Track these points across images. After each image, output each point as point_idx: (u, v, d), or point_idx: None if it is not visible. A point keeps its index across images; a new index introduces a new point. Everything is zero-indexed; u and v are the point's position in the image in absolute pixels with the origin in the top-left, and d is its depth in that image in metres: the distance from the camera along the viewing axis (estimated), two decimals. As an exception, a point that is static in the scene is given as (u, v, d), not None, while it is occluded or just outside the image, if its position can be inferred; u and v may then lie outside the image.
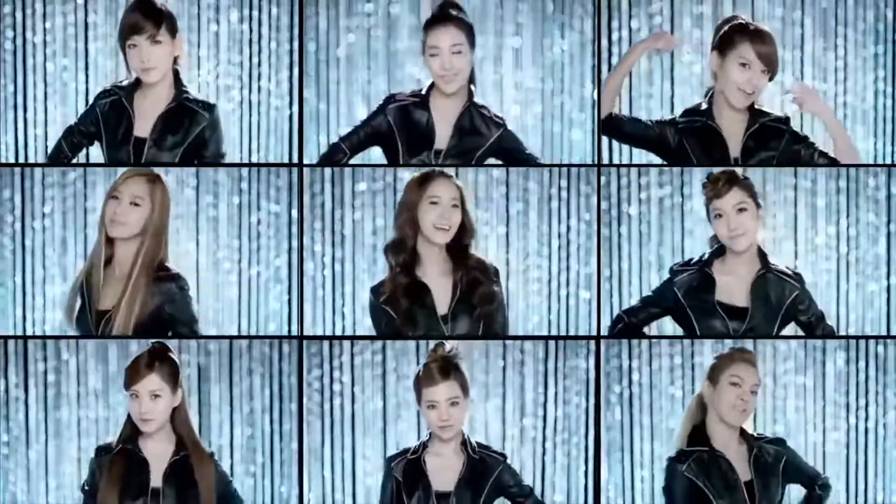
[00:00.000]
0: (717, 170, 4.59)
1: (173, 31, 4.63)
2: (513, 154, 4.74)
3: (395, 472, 4.55)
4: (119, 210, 4.53)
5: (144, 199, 4.54)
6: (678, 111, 4.79)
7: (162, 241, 4.57)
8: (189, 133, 4.68)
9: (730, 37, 4.61)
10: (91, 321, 4.56)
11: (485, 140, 4.70)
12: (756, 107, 4.66)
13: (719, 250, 4.64)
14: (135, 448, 4.49)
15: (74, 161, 4.78)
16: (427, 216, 4.54)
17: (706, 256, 4.65)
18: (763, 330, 4.61)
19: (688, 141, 4.69)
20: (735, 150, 4.67)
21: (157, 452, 4.50)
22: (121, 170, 4.75)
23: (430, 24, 4.64)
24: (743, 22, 4.62)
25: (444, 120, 4.70)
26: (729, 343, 4.69)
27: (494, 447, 4.72)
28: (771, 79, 4.62)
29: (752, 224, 4.57)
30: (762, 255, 4.62)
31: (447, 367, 4.49)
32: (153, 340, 4.52)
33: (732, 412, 4.56)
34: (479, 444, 4.57)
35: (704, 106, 4.69)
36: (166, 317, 4.56)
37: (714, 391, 4.57)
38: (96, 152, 4.75)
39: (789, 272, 4.63)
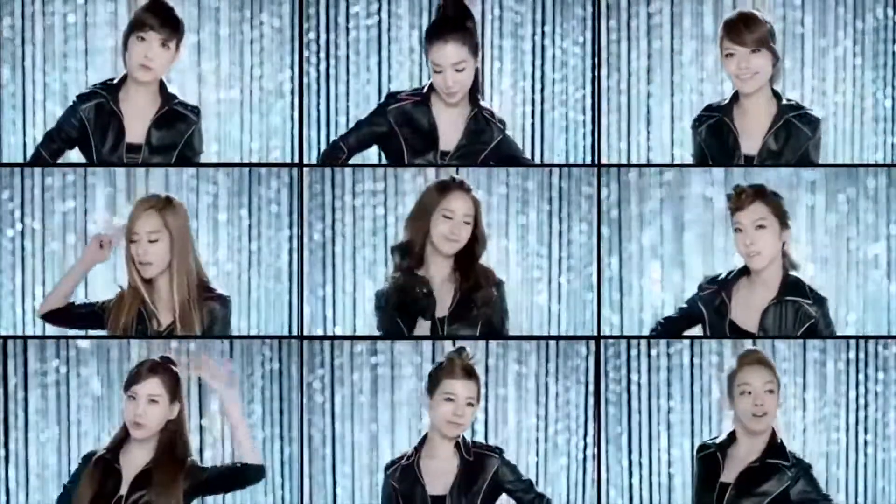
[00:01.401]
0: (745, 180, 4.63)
1: (180, 42, 4.64)
2: (510, 161, 4.74)
3: (392, 479, 4.55)
4: (141, 251, 4.52)
5: (161, 231, 4.53)
6: (678, 106, 4.81)
7: (190, 258, 4.56)
8: (181, 137, 4.70)
9: (719, 36, 4.65)
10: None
11: (487, 144, 4.71)
12: (786, 100, 4.67)
13: (744, 269, 4.63)
14: (113, 459, 4.48)
15: (74, 161, 4.78)
16: (438, 227, 4.55)
17: (731, 275, 4.65)
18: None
19: (706, 140, 4.70)
20: (753, 147, 4.66)
21: (134, 462, 4.48)
22: (120, 170, 4.77)
23: (432, 37, 4.62)
24: (724, 19, 4.66)
25: (449, 121, 4.70)
26: (728, 343, 4.71)
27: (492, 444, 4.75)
28: (774, 55, 4.61)
29: (772, 244, 4.54)
30: (785, 279, 4.58)
31: (470, 370, 4.50)
32: (161, 355, 4.55)
33: (752, 421, 4.51)
34: (473, 443, 4.57)
35: (725, 102, 4.70)
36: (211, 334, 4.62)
37: (733, 405, 4.54)
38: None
39: (808, 299, 4.60)
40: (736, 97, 4.70)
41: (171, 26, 4.62)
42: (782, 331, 4.58)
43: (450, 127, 4.70)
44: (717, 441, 4.59)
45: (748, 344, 4.67)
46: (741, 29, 4.59)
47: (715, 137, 4.70)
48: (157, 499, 4.41)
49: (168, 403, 4.46)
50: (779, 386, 4.55)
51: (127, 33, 4.63)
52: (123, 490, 4.45)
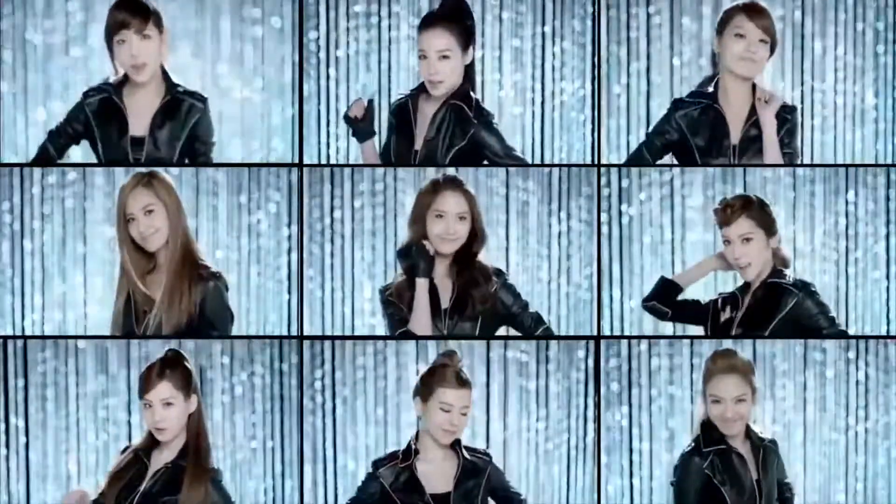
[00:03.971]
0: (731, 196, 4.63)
1: (160, 25, 4.63)
2: (486, 152, 4.70)
3: (382, 477, 4.51)
4: (142, 228, 4.53)
5: (155, 202, 4.54)
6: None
7: (180, 230, 4.56)
8: (185, 126, 4.68)
9: (727, 15, 4.64)
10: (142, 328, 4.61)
11: (458, 140, 4.67)
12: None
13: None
14: (145, 455, 4.49)
15: (72, 161, 4.78)
16: (433, 228, 4.55)
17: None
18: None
19: (691, 126, 4.68)
20: (735, 136, 4.66)
21: (161, 459, 4.50)
22: (119, 170, 4.77)
23: (422, 26, 4.64)
24: (739, 1, 4.64)
25: (425, 116, 4.69)
26: (728, 343, 4.73)
27: (494, 447, 4.75)
28: (773, 50, 4.61)
29: (760, 253, 4.57)
30: (774, 271, 4.61)
31: (463, 378, 4.49)
32: (168, 349, 4.53)
33: (725, 425, 4.52)
34: (465, 448, 4.56)
35: (710, 89, 4.69)
36: (207, 315, 4.58)
37: (706, 409, 4.55)
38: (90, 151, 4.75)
39: (790, 280, 4.61)
40: (717, 85, 4.69)
41: (143, 15, 4.59)
42: (769, 309, 4.60)
43: (424, 122, 4.69)
44: (707, 440, 4.57)
45: (747, 345, 4.67)
46: (761, 13, 4.59)
47: (702, 122, 4.68)
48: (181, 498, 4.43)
49: (184, 400, 4.46)
50: (753, 391, 4.53)
51: (107, 40, 4.63)
52: (145, 484, 4.45)
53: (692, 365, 4.88)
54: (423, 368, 4.57)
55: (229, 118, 4.86)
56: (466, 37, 4.63)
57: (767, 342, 4.82)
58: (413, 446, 4.52)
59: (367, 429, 4.89)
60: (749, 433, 4.57)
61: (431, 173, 4.71)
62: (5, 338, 4.84)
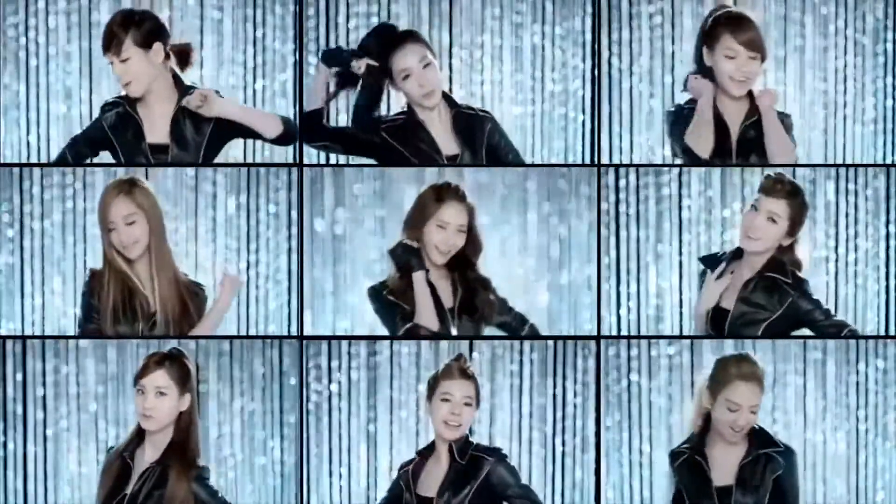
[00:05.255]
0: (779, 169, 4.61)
1: (146, 42, 4.58)
2: (498, 149, 4.73)
3: (402, 479, 4.55)
4: (124, 237, 4.53)
5: (136, 212, 4.54)
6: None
7: (164, 237, 4.57)
8: (206, 126, 4.67)
9: (713, 30, 4.62)
10: (145, 328, 4.60)
11: (482, 136, 4.70)
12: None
13: (738, 252, 4.64)
14: (129, 456, 4.47)
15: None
16: (432, 237, 4.56)
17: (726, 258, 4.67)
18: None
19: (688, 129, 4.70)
20: (733, 135, 4.67)
21: (145, 459, 4.48)
22: (120, 170, 4.78)
23: (390, 49, 4.63)
24: (723, 12, 4.63)
25: (440, 128, 4.69)
26: (729, 344, 4.73)
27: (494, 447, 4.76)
28: (763, 60, 4.62)
29: (772, 237, 4.54)
30: (771, 261, 4.58)
31: (467, 371, 4.50)
32: (171, 347, 4.52)
33: (729, 432, 4.49)
34: (477, 446, 4.55)
35: None
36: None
37: (713, 404, 4.51)
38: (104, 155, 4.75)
39: (788, 278, 4.59)
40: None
41: (118, 36, 4.55)
42: (757, 304, 4.58)
43: (444, 133, 4.70)
44: (690, 444, 4.56)
45: (747, 345, 4.67)
46: (745, 29, 4.59)
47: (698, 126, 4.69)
48: (166, 496, 4.42)
49: (177, 395, 4.45)
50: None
51: None
52: (130, 487, 4.44)
53: (692, 364, 4.88)
54: (423, 367, 4.57)
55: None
56: (429, 44, 4.65)
57: (768, 341, 4.82)
58: (425, 449, 4.56)
59: (366, 430, 4.89)
60: (751, 437, 4.53)
61: (432, 173, 4.73)
62: (5, 338, 4.84)
